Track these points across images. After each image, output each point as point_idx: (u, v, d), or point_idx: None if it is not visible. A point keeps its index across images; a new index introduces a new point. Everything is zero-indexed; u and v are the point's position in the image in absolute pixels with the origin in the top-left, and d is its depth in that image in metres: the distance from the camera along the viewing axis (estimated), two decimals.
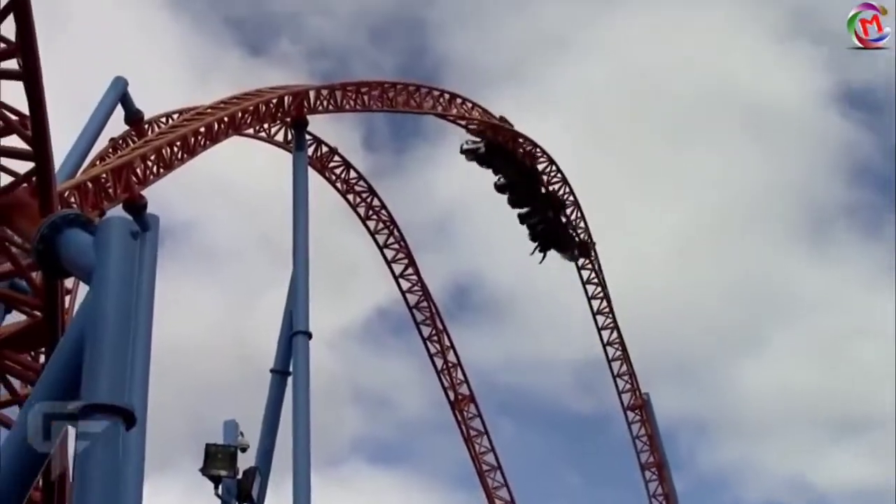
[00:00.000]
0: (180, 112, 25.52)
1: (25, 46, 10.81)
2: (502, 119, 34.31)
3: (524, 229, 36.17)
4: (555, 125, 53.76)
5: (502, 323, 63.77)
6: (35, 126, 11.26)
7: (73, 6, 56.28)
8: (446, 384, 34.60)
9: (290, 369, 24.57)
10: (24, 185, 11.58)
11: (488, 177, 35.20)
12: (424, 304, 34.03)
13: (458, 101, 33.38)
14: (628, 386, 38.90)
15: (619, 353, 38.44)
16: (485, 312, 62.53)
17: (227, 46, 70.38)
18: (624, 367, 38.67)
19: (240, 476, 21.77)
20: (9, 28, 10.84)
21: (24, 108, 11.26)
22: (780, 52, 66.48)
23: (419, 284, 33.70)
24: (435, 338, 34.34)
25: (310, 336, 24.35)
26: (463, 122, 33.75)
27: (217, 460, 21.20)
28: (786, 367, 62.33)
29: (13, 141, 11.44)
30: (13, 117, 11.29)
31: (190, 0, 77.27)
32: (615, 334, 38.24)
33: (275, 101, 26.73)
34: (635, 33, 64.03)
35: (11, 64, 11.06)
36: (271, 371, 25.70)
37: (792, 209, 67.97)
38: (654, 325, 58.26)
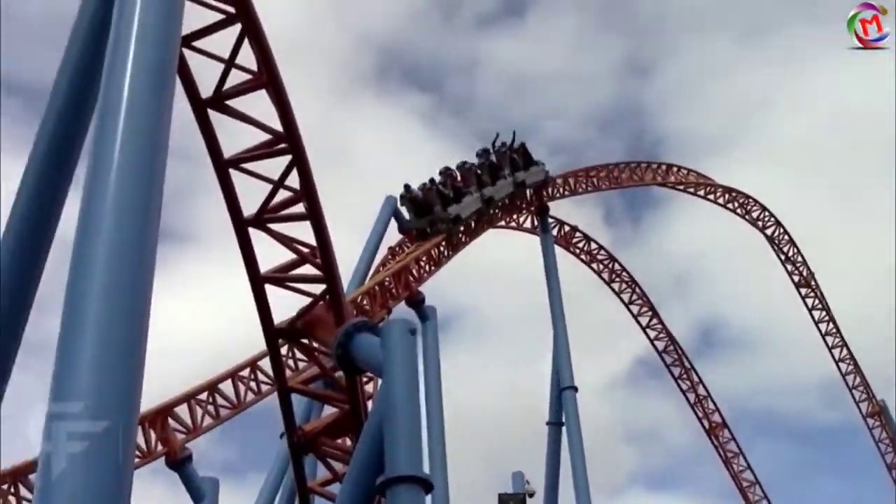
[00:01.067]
0: None
1: (308, 193, 11.43)
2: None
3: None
4: (766, 176, 52.37)
5: (747, 355, 61.99)
6: (323, 254, 11.82)
7: (348, 139, 58.89)
8: (700, 415, 33.95)
9: (563, 420, 24.52)
10: (320, 302, 12.12)
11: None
12: (671, 347, 33.61)
13: (674, 169, 33.22)
14: (864, 396, 37.19)
15: (850, 367, 36.87)
16: (730, 348, 61.30)
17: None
18: (857, 380, 37.03)
19: None
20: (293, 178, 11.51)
21: (313, 240, 11.88)
22: None
23: (664, 332, 33.34)
24: (685, 376, 33.79)
25: (576, 390, 24.26)
26: (681, 187, 33.38)
27: None
28: None
29: (306, 268, 12.03)
30: (305, 250, 11.88)
31: (442, 119, 78.83)
32: (845, 351, 36.71)
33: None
34: (827, 85, 61.89)
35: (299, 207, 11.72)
36: (547, 424, 25.69)
37: None
38: (878, 339, 55.56)
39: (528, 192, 27.31)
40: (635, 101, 68.07)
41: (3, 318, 8.44)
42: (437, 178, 23.85)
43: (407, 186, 23.46)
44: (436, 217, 23.25)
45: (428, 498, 9.57)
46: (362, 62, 71.17)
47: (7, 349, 8.47)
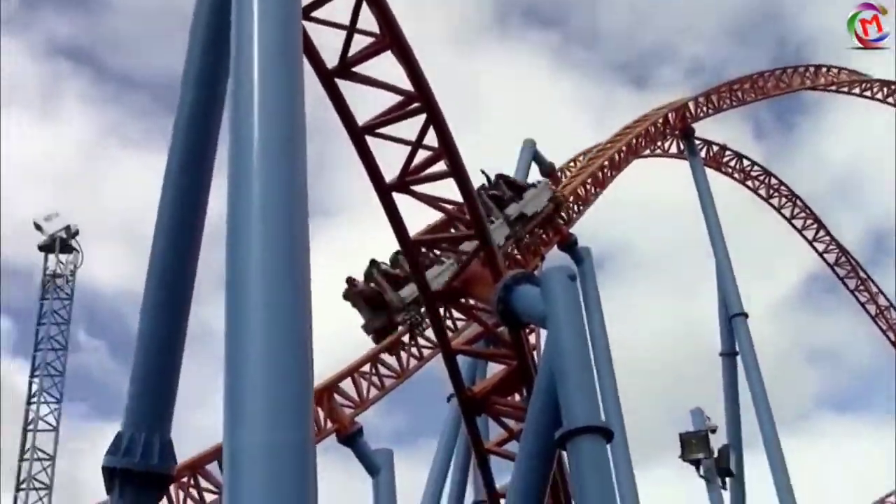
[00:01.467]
0: (584, 154, 25.82)
1: (448, 149, 11.41)
2: None
3: None
4: None
5: None
6: (471, 210, 11.83)
7: (479, 87, 58.76)
8: (884, 326, 32.93)
9: (737, 349, 24.15)
10: (475, 259, 12.16)
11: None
12: (843, 259, 32.63)
13: (823, 69, 32.03)
14: None
15: None
16: None
17: (614, 87, 70.58)
18: None
19: (716, 455, 21.63)
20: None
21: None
22: None
23: (833, 243, 32.36)
24: (861, 287, 32.80)
25: (746, 316, 23.88)
26: (833, 88, 32.26)
27: (692, 446, 21.22)
28: None
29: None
30: (450, 207, 11.91)
31: (571, 53, 78.02)
32: None
33: (660, 120, 26.60)
34: None
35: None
36: (720, 354, 25.37)
37: None
38: None
39: (668, 115, 26.83)
40: (771, 4, 65.88)
41: (168, 311, 8.76)
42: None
43: (349, 280, 15.96)
44: (391, 307, 15.93)
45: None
46: (481, 6, 70.89)
47: (174, 344, 8.78)
